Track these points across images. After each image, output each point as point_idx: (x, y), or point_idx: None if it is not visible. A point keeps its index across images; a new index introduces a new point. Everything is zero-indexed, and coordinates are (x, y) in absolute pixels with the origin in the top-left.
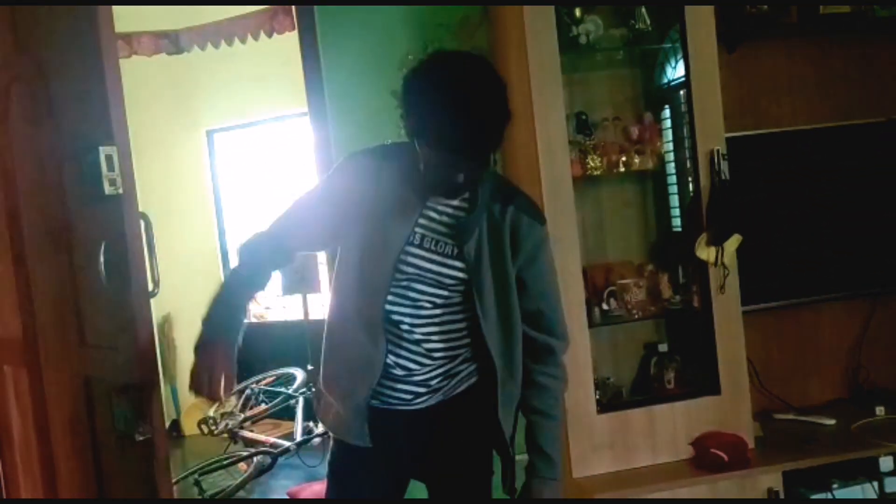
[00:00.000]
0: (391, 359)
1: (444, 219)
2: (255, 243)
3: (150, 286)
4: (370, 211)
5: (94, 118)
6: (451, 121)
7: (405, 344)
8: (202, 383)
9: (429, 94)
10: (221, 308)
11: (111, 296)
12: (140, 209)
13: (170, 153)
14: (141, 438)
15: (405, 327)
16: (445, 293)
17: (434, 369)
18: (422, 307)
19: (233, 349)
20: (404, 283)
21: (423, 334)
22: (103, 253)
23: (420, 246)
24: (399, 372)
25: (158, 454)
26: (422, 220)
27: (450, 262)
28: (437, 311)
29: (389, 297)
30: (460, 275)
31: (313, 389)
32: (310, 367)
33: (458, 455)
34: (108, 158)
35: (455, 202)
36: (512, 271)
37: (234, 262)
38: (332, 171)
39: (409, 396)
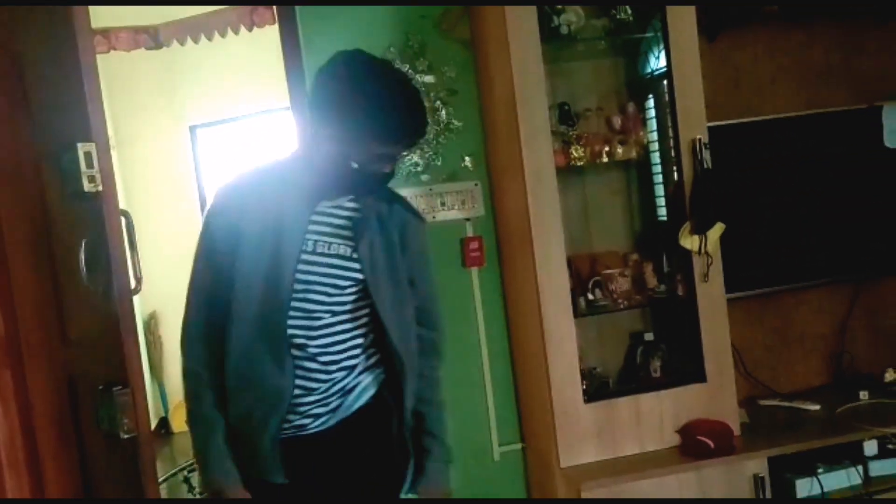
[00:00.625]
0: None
1: (337, 220)
2: (191, 329)
3: (133, 283)
4: (257, 231)
5: (72, 115)
6: (398, 112)
7: (302, 362)
8: None
9: (368, 91)
10: (207, 449)
11: (93, 294)
12: (123, 206)
13: (152, 149)
14: (126, 437)
15: (300, 341)
16: (341, 300)
17: (331, 385)
18: (318, 318)
19: (238, 484)
20: (301, 295)
21: (318, 347)
22: (84, 251)
23: (314, 252)
24: (297, 391)
25: (143, 453)
26: (312, 227)
27: (346, 263)
28: (332, 321)
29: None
30: (357, 276)
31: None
32: None
33: (368, 473)
34: (87, 155)
35: (346, 203)
36: (403, 268)
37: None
38: (207, 211)
39: (308, 420)
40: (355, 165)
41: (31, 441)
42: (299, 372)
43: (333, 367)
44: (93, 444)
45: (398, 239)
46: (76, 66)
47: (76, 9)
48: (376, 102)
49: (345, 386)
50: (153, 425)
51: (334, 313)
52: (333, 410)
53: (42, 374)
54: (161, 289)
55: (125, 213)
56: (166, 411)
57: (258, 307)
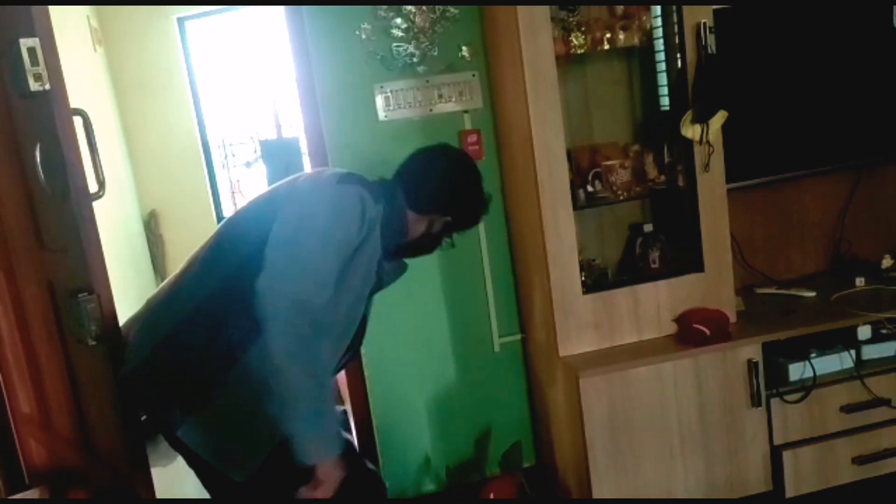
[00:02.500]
0: None
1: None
2: (310, 344)
3: (96, 187)
4: (366, 262)
5: (12, 8)
6: (479, 206)
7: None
8: None
9: (469, 185)
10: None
11: (54, 198)
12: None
13: (141, 45)
14: (93, 343)
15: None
16: None
17: None
18: None
19: None
20: None
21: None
22: (38, 154)
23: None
24: None
25: (113, 359)
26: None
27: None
28: None
29: None
30: None
31: None
32: None
33: None
34: (31, 51)
35: None
36: None
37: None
38: (338, 199)
39: None
40: (434, 239)
41: (29, 344)
42: None
43: None
44: (75, 349)
45: None
46: None
47: None
48: (480, 200)
49: None
50: None
51: None
52: None
53: (28, 279)
54: (158, 187)
55: (80, 113)
56: None
57: (338, 330)
